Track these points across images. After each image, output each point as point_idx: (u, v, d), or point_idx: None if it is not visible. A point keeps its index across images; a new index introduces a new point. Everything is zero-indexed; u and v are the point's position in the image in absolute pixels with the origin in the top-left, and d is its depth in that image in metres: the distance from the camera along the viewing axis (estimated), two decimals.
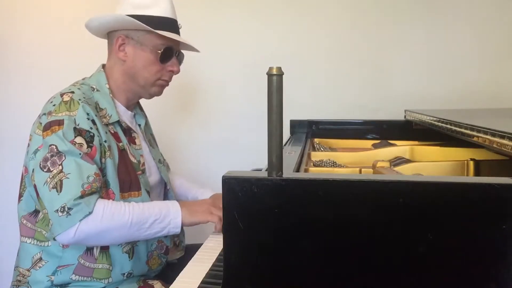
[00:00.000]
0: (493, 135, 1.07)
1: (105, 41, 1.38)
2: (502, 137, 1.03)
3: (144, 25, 1.26)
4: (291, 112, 1.83)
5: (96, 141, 1.19)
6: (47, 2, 2.17)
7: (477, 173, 1.26)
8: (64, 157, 1.13)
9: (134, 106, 1.43)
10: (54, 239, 1.15)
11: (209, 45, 2.13)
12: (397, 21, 2.15)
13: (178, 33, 1.35)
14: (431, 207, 0.76)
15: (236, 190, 0.78)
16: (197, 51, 1.43)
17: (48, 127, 1.17)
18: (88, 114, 1.20)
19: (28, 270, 1.24)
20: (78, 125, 1.17)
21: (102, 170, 1.20)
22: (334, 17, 2.17)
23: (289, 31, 2.18)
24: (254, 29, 2.18)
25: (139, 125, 1.44)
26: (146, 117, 1.51)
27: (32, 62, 2.18)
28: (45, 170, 1.13)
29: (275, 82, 0.77)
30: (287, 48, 2.17)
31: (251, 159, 1.86)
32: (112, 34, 1.33)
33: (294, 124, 1.96)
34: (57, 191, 1.10)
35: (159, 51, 1.30)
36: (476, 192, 0.75)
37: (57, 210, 1.09)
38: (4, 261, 1.53)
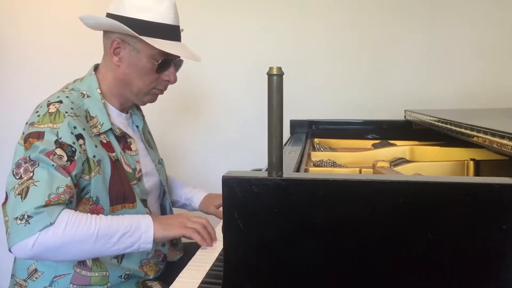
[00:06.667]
0: (493, 135, 1.07)
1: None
2: (502, 137, 1.03)
3: (142, 37, 1.18)
4: (291, 112, 1.82)
5: (77, 157, 1.12)
6: (47, 2, 2.17)
7: (477, 173, 1.25)
8: (37, 164, 1.07)
9: (129, 107, 1.36)
10: (10, 251, 1.04)
11: (209, 45, 2.14)
12: (397, 21, 2.15)
13: (179, 39, 1.26)
14: (431, 207, 0.76)
15: (236, 190, 0.78)
16: (197, 60, 1.31)
17: (27, 139, 1.12)
18: (74, 128, 1.14)
19: (25, 281, 1.21)
20: (60, 138, 1.11)
21: (77, 186, 1.13)
22: (334, 17, 2.17)
23: (289, 32, 2.18)
24: (254, 29, 2.18)
25: (137, 126, 1.38)
26: (143, 116, 1.46)
27: (32, 62, 2.18)
28: (17, 177, 1.07)
29: (275, 82, 0.77)
30: (287, 48, 2.17)
31: (251, 159, 1.86)
32: (108, 33, 1.24)
33: (294, 124, 1.96)
34: (21, 197, 1.03)
35: (156, 62, 1.22)
36: (476, 192, 0.75)
37: (17, 218, 1.01)
38: (4, 261, 1.53)
